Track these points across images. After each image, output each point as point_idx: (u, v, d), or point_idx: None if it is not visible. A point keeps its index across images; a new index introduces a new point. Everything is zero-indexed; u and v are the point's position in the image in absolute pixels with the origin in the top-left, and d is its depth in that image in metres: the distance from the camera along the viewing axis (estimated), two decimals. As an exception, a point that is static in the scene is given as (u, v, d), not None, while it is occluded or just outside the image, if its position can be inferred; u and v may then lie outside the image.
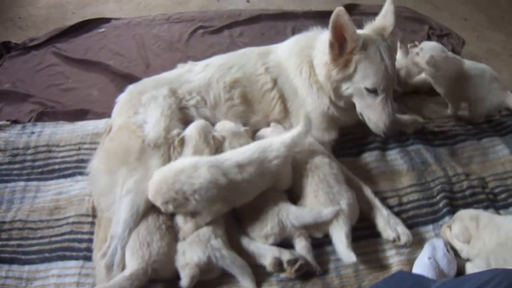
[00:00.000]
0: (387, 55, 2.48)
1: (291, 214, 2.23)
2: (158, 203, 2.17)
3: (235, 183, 2.21)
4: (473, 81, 3.02)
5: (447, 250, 2.19)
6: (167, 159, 2.40)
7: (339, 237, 2.17)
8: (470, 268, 2.20)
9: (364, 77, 2.48)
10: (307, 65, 2.71)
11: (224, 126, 2.60)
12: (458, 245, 2.24)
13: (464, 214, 2.29)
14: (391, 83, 2.55)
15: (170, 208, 2.16)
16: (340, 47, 2.46)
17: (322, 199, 2.29)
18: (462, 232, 2.21)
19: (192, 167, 2.20)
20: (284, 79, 2.77)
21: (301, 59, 2.74)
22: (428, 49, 2.99)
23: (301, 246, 2.23)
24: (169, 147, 2.44)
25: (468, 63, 3.16)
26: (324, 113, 2.73)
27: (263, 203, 2.30)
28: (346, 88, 2.56)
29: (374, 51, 2.46)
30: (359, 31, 2.49)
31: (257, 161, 2.28)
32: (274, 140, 2.39)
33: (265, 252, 2.19)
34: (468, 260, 2.22)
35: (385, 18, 2.59)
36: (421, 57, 2.93)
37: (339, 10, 2.33)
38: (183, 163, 2.25)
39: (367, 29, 2.60)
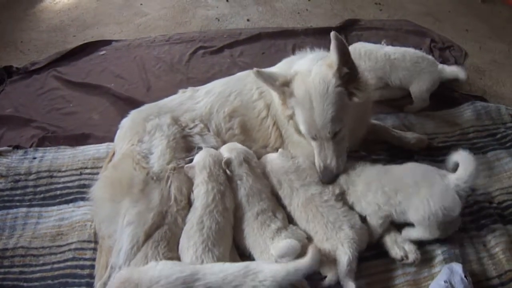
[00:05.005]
0: (318, 101, 2.28)
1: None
2: None
3: None
4: (396, 66, 3.23)
5: (465, 276, 2.12)
6: (167, 193, 2.37)
7: (341, 263, 2.13)
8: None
9: (297, 122, 2.44)
10: None
11: (236, 146, 2.55)
12: None
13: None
14: (323, 132, 2.34)
15: None
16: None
17: (322, 233, 2.25)
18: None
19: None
20: (276, 104, 2.66)
21: None
22: None
23: None
24: (167, 181, 2.41)
25: (387, 49, 3.32)
26: None
27: None
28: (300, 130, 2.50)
29: (303, 97, 2.32)
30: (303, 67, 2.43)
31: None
32: (265, 268, 1.98)
33: None
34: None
35: (330, 55, 2.30)
36: None
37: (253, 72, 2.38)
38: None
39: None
